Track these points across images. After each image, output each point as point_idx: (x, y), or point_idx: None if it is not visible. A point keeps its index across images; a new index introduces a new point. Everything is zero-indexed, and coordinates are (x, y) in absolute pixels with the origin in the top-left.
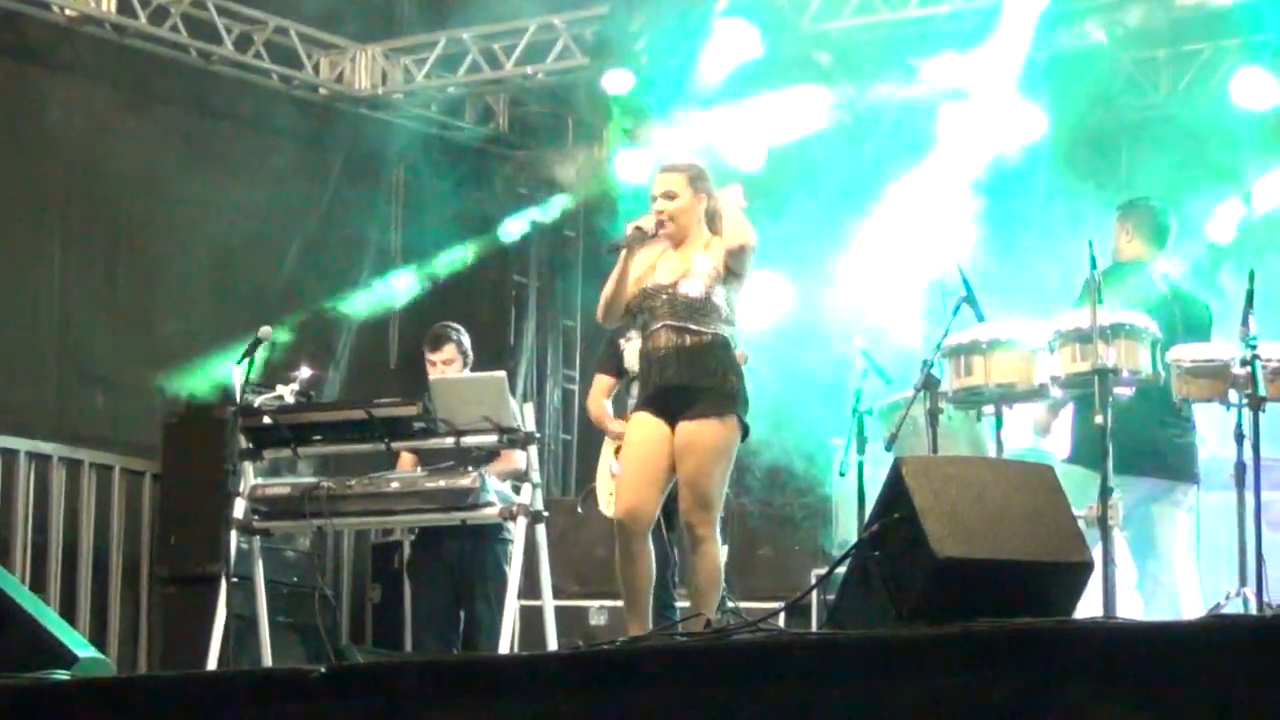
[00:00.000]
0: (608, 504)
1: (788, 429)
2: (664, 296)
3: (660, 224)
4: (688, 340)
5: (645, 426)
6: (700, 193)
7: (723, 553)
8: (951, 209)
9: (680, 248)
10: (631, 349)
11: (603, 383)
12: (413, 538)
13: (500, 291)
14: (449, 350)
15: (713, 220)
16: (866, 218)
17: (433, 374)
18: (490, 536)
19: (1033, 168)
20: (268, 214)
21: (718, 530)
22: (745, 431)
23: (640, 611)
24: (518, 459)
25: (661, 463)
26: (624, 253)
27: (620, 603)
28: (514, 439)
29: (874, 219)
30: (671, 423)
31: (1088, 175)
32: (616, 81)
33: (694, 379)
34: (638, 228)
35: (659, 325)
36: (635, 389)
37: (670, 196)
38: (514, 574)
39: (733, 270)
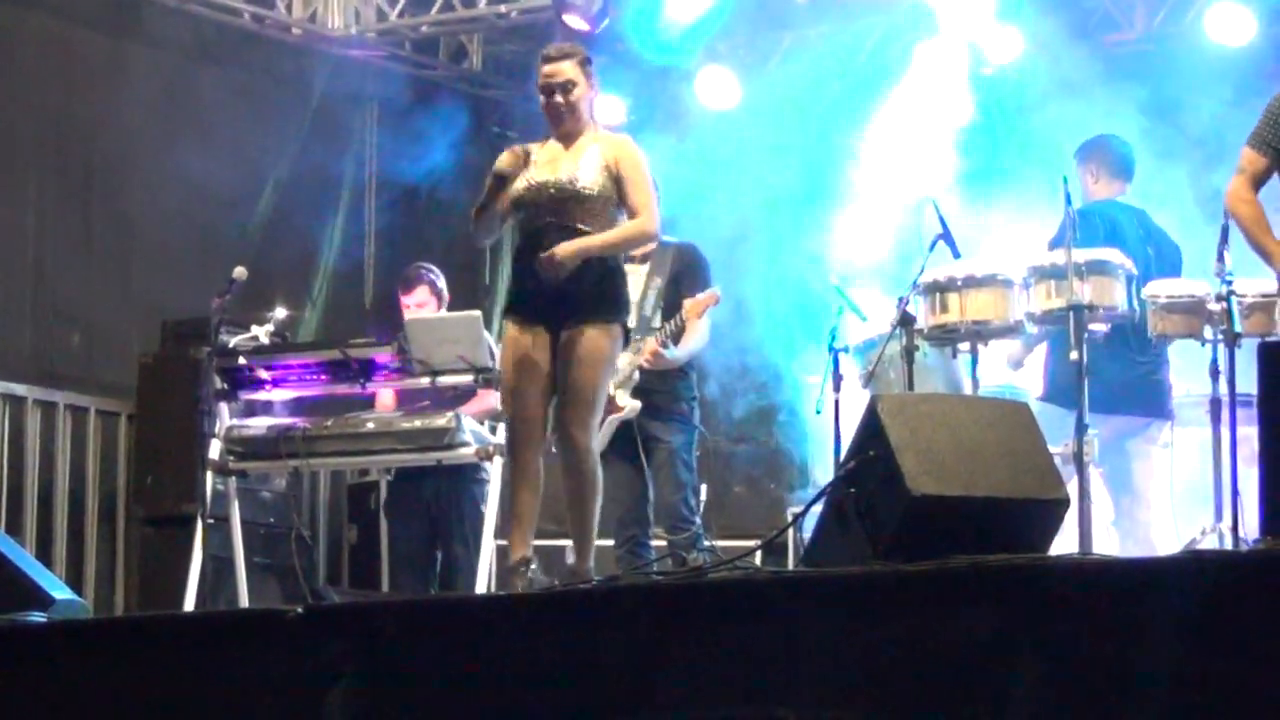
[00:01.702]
0: None
1: (763, 367)
2: (550, 193)
3: (559, 114)
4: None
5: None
6: (590, 79)
7: (701, 490)
8: (929, 143)
9: (565, 138)
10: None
11: None
12: (390, 478)
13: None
14: (421, 292)
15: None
16: (842, 153)
17: (407, 315)
18: (467, 477)
19: (1010, 98)
20: (242, 154)
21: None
22: (626, 339)
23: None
24: (494, 399)
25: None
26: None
27: (601, 541)
28: (489, 378)
29: (850, 154)
30: (549, 327)
31: (1064, 109)
32: (577, 19)
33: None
34: (499, 175)
35: (544, 223)
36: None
37: (569, 86)
38: (490, 514)
39: (621, 173)
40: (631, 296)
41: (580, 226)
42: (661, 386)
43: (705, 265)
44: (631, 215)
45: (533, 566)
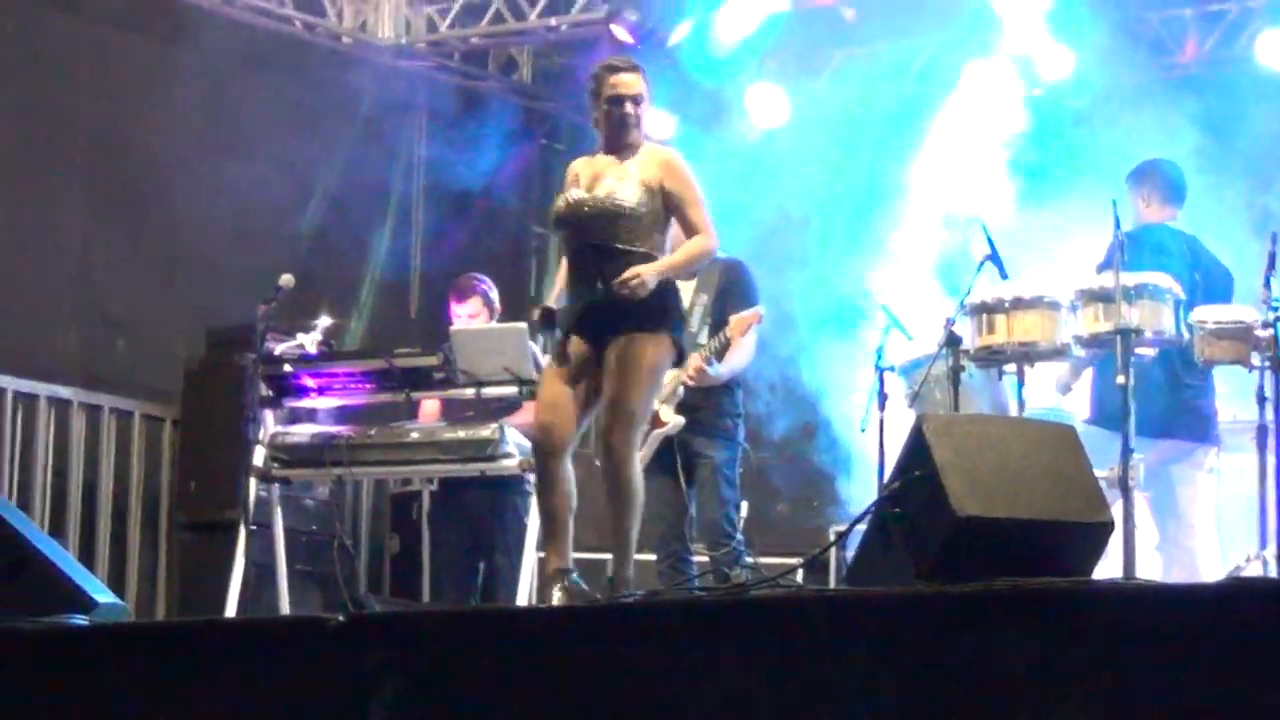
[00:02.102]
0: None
1: (808, 384)
2: (586, 210)
3: (625, 125)
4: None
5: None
6: (648, 96)
7: (743, 507)
8: (977, 163)
9: (611, 152)
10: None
11: None
12: (432, 488)
13: (521, 242)
14: (474, 303)
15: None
16: (890, 172)
17: (455, 325)
18: (510, 488)
19: (1060, 119)
20: (289, 162)
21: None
22: (680, 356)
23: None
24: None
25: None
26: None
27: (642, 556)
28: (534, 391)
29: (899, 173)
30: (596, 342)
31: (1114, 132)
32: (624, 31)
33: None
34: (532, 323)
35: (585, 242)
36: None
37: (639, 99)
38: (533, 526)
39: (668, 190)
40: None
41: (621, 246)
42: (706, 403)
43: (751, 282)
44: (691, 233)
45: (572, 577)
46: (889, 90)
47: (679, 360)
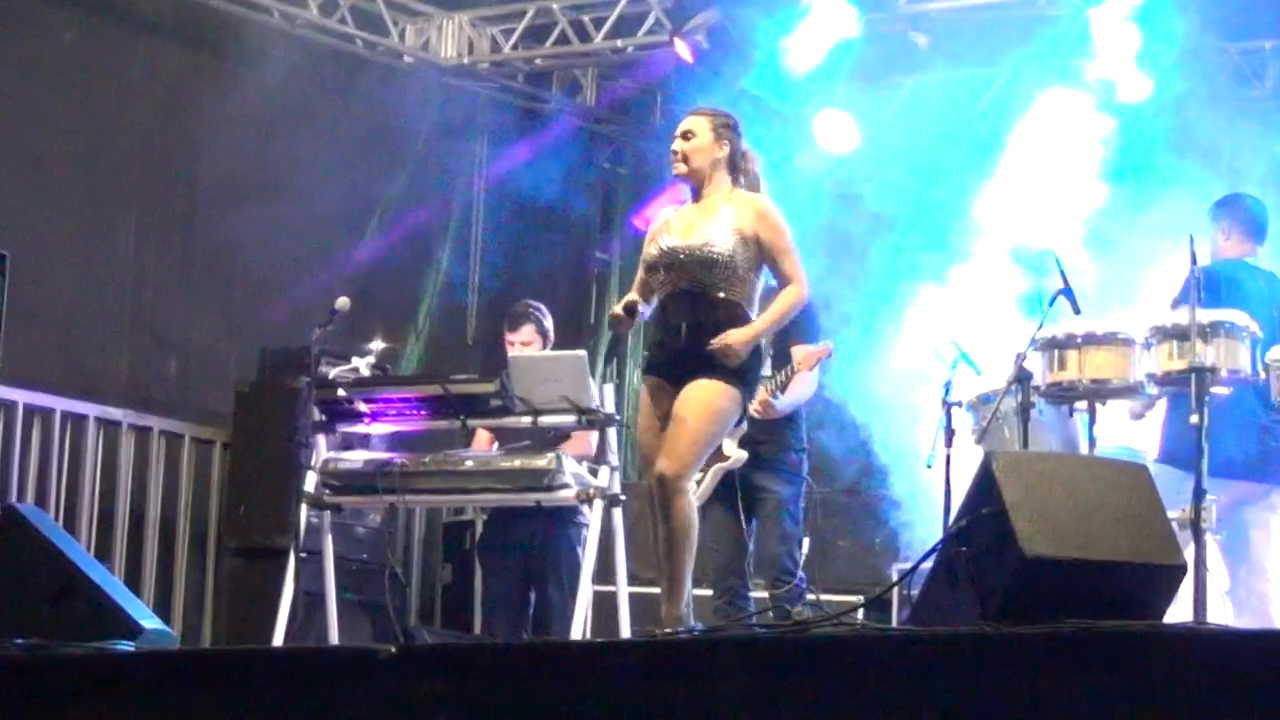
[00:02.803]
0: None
1: (872, 418)
2: (680, 258)
3: (674, 161)
4: (704, 308)
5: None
6: (722, 140)
7: (804, 543)
8: (1050, 194)
9: (700, 200)
10: None
11: None
12: (485, 518)
13: (581, 268)
14: (527, 330)
15: (738, 171)
16: (960, 201)
17: (511, 353)
18: (565, 519)
19: (1137, 150)
20: (348, 182)
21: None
22: (742, 418)
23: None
24: (590, 442)
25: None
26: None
27: (699, 591)
28: (593, 420)
29: (968, 203)
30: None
31: (1190, 164)
32: (685, 48)
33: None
34: (614, 315)
35: (677, 289)
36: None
37: (687, 136)
38: (588, 559)
39: (761, 240)
40: None
41: (713, 293)
42: (770, 437)
43: (815, 314)
44: (784, 283)
45: (696, 629)
46: (960, 118)
47: (741, 419)
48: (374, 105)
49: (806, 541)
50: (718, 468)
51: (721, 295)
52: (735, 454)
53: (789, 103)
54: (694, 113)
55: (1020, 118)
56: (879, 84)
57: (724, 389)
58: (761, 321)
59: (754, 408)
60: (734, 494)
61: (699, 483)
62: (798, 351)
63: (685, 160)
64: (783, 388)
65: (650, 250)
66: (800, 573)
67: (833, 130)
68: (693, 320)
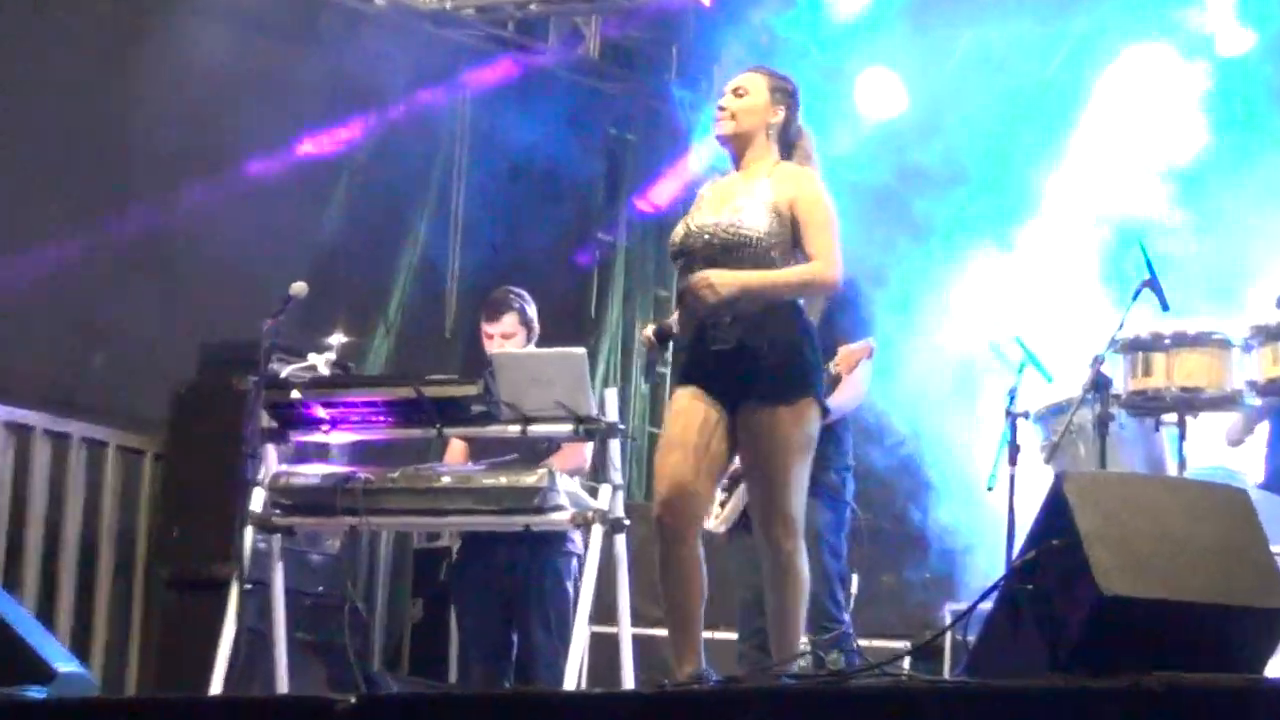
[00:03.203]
0: (717, 516)
1: (922, 430)
2: (705, 238)
3: (718, 122)
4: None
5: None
6: (779, 105)
7: (853, 581)
8: (1134, 169)
9: (742, 170)
10: None
11: None
12: (460, 544)
13: (581, 251)
14: (510, 320)
15: (789, 148)
16: (1027, 178)
17: (489, 347)
18: (551, 547)
19: (1237, 117)
20: (309, 149)
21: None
22: (825, 414)
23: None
24: (583, 454)
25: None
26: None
27: (717, 634)
28: (592, 429)
29: (1037, 179)
30: (727, 402)
31: None
32: None
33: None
34: (645, 339)
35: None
36: None
37: (739, 92)
38: (586, 593)
39: (797, 213)
40: None
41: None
42: None
43: (863, 303)
44: (809, 259)
45: (712, 679)
46: (1028, 78)
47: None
48: (338, 59)
49: (856, 579)
50: (744, 488)
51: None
52: None
53: (828, 55)
54: (751, 70)
55: (1100, 78)
56: (931, 39)
57: (793, 412)
58: (758, 276)
59: None
60: None
61: (722, 504)
62: (841, 351)
63: (734, 118)
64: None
65: (676, 232)
66: (845, 616)
67: (877, 93)
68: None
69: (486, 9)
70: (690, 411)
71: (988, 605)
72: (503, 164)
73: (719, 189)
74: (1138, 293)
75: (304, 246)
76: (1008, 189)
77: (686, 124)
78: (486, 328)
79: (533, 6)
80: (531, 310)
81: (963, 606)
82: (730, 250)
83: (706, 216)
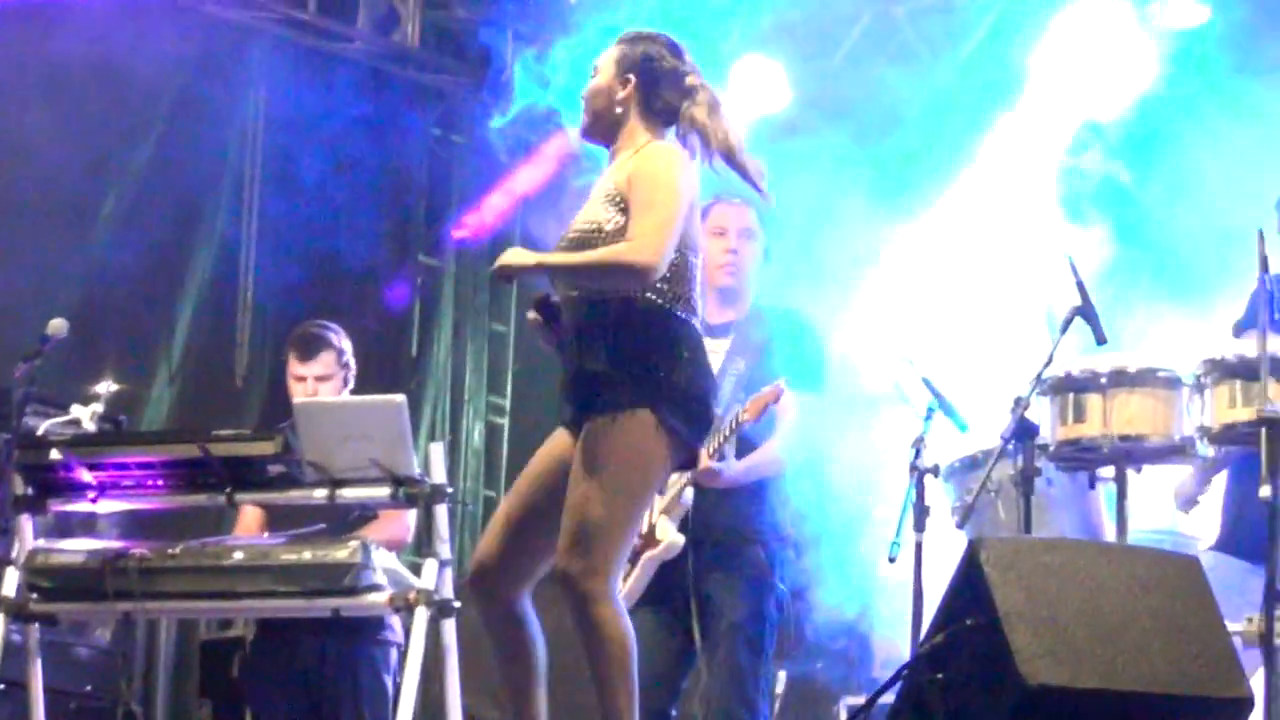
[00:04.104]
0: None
1: (810, 488)
2: (562, 246)
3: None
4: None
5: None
6: (626, 76)
7: (778, 678)
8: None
9: (613, 158)
10: None
11: None
12: (255, 634)
13: (400, 278)
14: (326, 360)
15: (671, 120)
16: (933, 182)
17: (299, 392)
18: (366, 635)
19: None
20: (69, 156)
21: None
22: (682, 441)
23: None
24: (403, 523)
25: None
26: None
27: None
28: (415, 494)
29: (944, 184)
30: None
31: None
32: None
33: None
34: (530, 320)
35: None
36: None
37: (593, 72)
38: (408, 690)
39: (631, 191)
40: None
41: (592, 290)
42: (728, 519)
43: (808, 340)
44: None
45: None
46: (935, 65)
47: (688, 461)
48: (103, 49)
49: (783, 677)
50: (649, 557)
51: (607, 294)
52: (670, 539)
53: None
54: (615, 42)
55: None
56: (821, 21)
57: (629, 419)
58: (562, 257)
59: (696, 474)
60: (681, 594)
61: (626, 576)
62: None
63: (584, 104)
64: (750, 443)
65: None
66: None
67: (756, 84)
68: (578, 329)
69: None
70: (543, 452)
71: (890, 699)
72: (303, 175)
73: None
74: (1067, 322)
75: (65, 276)
76: (906, 203)
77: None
78: (297, 369)
79: None
80: (349, 350)
81: (860, 701)
82: (583, 247)
83: (576, 218)
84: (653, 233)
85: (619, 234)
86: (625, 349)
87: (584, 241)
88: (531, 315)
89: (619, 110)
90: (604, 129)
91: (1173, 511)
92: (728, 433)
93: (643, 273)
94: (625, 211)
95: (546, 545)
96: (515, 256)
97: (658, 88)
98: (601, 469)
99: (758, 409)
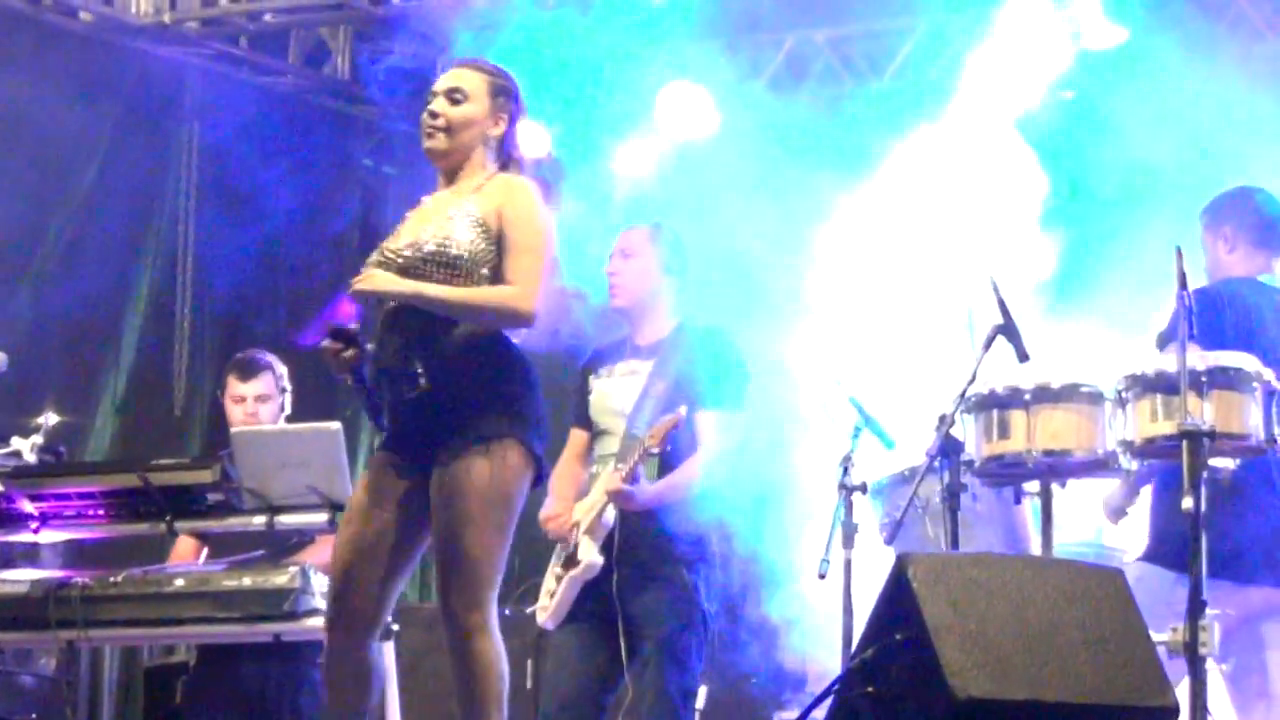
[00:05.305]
0: (543, 608)
1: (739, 506)
2: (399, 263)
3: (430, 133)
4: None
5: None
6: (501, 113)
7: (700, 695)
8: (983, 192)
9: (452, 189)
10: (601, 388)
11: (575, 441)
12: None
13: (334, 307)
14: (266, 381)
15: (509, 162)
16: (855, 204)
17: (237, 414)
18: (306, 659)
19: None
20: (10, 188)
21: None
22: (540, 467)
23: None
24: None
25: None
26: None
27: None
28: None
29: (869, 206)
30: (418, 465)
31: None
32: None
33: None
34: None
35: (392, 306)
36: (600, 446)
37: (455, 97)
38: None
39: (503, 228)
40: (620, 405)
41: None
42: (651, 539)
43: (728, 358)
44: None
45: None
46: (859, 90)
47: (537, 482)
48: (37, 84)
49: (703, 693)
50: (571, 577)
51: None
52: (589, 559)
53: (624, 66)
54: (464, 65)
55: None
56: (748, 46)
57: (493, 454)
58: (435, 288)
59: (609, 495)
60: (607, 609)
61: (551, 594)
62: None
63: (448, 130)
64: (654, 469)
65: (371, 259)
66: None
67: (682, 110)
68: (418, 357)
69: (213, 21)
70: (373, 481)
71: (822, 713)
72: (239, 208)
73: (420, 212)
74: (990, 339)
75: (5, 310)
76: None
77: None
78: (237, 388)
79: (268, 18)
80: (286, 375)
81: (793, 716)
82: (428, 271)
83: (405, 237)
84: (536, 280)
85: (485, 262)
86: (486, 379)
87: (440, 262)
88: (327, 343)
89: (483, 144)
90: (459, 158)
91: (1099, 524)
92: (640, 456)
93: (526, 319)
94: (492, 242)
95: (386, 586)
96: (383, 282)
97: (514, 131)
98: (475, 504)
99: (660, 436)
